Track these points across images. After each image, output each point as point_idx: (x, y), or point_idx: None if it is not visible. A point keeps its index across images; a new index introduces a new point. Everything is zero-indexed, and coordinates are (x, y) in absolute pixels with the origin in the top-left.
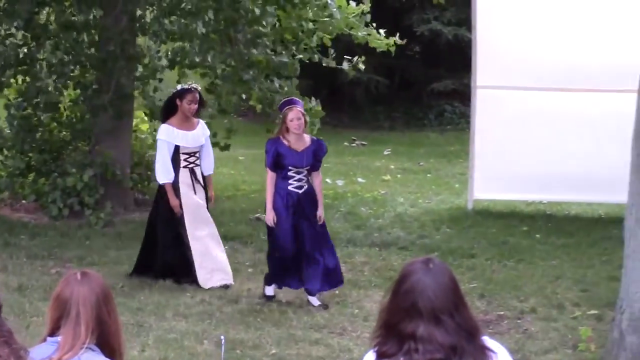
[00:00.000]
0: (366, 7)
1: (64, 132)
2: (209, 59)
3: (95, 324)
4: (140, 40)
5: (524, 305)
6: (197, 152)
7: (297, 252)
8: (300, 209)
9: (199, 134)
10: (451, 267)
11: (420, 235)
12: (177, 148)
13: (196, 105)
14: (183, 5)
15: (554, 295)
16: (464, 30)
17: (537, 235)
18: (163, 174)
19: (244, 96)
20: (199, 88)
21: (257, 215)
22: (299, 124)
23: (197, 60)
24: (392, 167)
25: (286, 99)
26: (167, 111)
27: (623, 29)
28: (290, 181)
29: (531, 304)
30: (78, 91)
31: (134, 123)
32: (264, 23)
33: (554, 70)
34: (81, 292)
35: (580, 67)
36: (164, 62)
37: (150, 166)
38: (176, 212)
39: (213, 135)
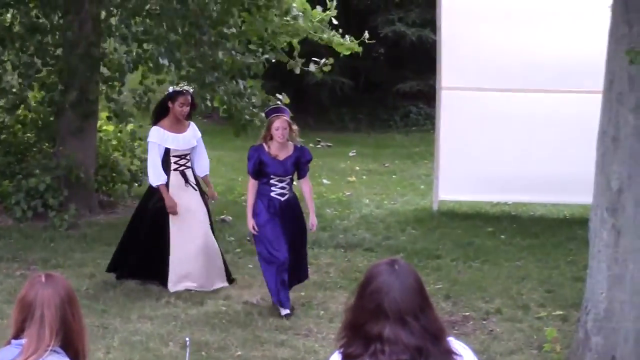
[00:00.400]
0: (332, 12)
1: (29, 134)
2: (173, 64)
3: (60, 326)
4: (106, 42)
5: (489, 306)
6: (188, 154)
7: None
8: (283, 217)
9: (189, 136)
10: (416, 268)
11: (386, 236)
12: (167, 150)
13: (188, 108)
14: (148, 7)
15: (519, 296)
16: (429, 32)
17: (502, 236)
18: (155, 176)
19: (208, 96)
20: (191, 90)
21: (222, 217)
22: (283, 133)
23: (162, 62)
24: (357, 168)
25: (274, 106)
26: (158, 113)
27: (586, 31)
28: (272, 188)
29: (496, 305)
30: (43, 93)
31: (98, 125)
32: (228, 25)
33: (519, 72)
34: (45, 294)
35: (545, 68)
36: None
37: (115, 168)
38: (172, 212)
39: None
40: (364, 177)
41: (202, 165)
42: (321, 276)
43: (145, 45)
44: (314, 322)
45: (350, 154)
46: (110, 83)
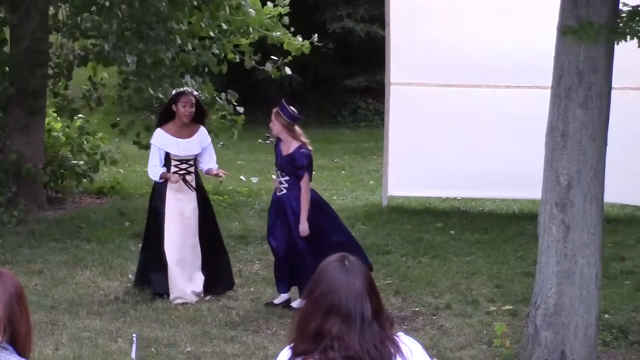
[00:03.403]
0: (284, 9)
1: None
2: (122, 55)
3: (8, 322)
4: (52, 37)
5: (438, 302)
6: (191, 160)
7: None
8: (276, 211)
9: (193, 143)
10: None
11: None
12: (168, 154)
13: (192, 109)
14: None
15: (468, 291)
16: (377, 27)
17: (452, 232)
18: (153, 174)
19: (160, 95)
20: (195, 92)
21: None
22: (270, 125)
23: (111, 56)
24: None
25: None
26: (162, 117)
27: (534, 26)
28: (278, 180)
29: (446, 300)
30: None
31: (46, 121)
32: (176, 21)
33: (468, 67)
34: None
35: (493, 63)
36: (76, 59)
37: (63, 164)
38: (174, 180)
39: (136, 135)
40: (313, 172)
41: (209, 166)
42: (271, 272)
43: (93, 41)
44: (263, 318)
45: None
46: (56, 79)
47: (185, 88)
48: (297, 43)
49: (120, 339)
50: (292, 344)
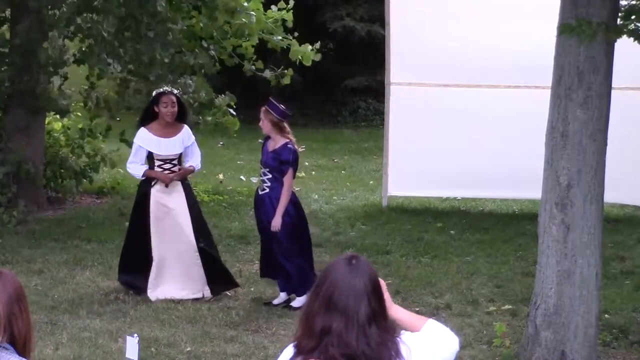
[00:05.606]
0: (287, 15)
1: None
2: (115, 63)
3: (8, 322)
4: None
5: (438, 301)
6: (174, 159)
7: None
8: (257, 210)
9: (176, 142)
10: None
11: (335, 232)
12: (151, 154)
13: (174, 109)
14: (95, 3)
15: (468, 291)
16: (377, 27)
17: (452, 232)
18: (135, 171)
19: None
20: (175, 91)
21: None
22: (260, 124)
23: (102, 56)
24: (307, 163)
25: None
26: (144, 118)
27: (535, 26)
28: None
29: (446, 300)
30: None
31: (46, 121)
32: (174, 21)
33: (468, 67)
34: None
35: (493, 63)
36: (70, 59)
37: (63, 164)
38: (167, 180)
39: (121, 133)
40: (313, 172)
41: (191, 164)
42: None
43: (86, 41)
44: (263, 318)
45: (299, 150)
46: (48, 78)
47: (165, 88)
48: (302, 50)
49: (120, 339)
50: (295, 341)
